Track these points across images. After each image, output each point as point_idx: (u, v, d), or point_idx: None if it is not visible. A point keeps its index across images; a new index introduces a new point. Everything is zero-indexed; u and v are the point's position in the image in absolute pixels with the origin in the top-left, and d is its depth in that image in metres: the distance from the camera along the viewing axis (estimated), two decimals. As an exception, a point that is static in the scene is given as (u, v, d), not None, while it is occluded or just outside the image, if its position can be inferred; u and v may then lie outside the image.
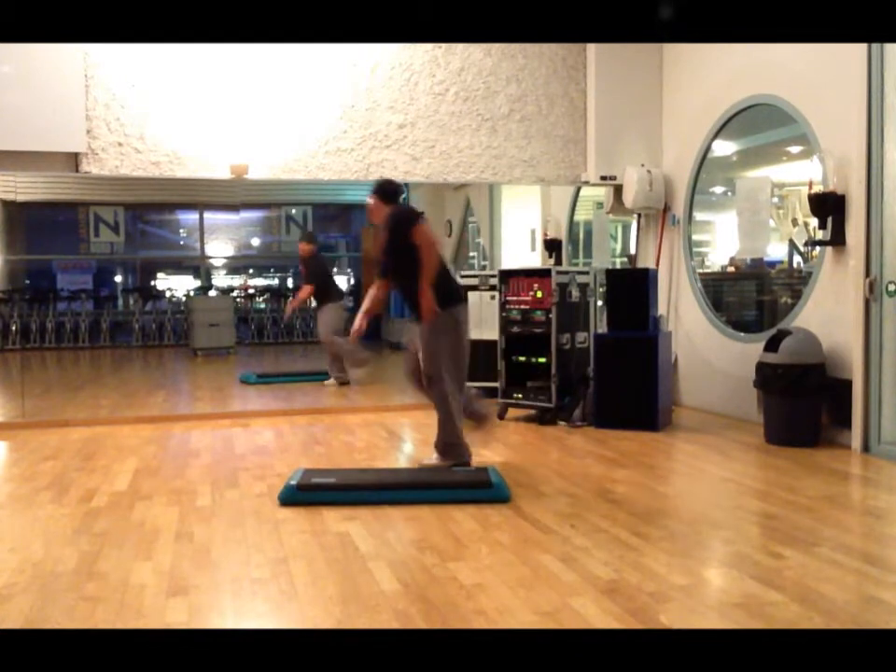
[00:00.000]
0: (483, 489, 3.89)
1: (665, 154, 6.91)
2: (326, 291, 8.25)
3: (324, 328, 8.16)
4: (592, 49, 6.80)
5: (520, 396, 6.11)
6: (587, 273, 6.51)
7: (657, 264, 6.84)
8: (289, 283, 15.76)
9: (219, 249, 14.90)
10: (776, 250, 6.51)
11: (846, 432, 4.96)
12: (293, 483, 3.91)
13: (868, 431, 4.84)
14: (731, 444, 5.16)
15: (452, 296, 4.48)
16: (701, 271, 6.72)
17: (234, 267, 15.16)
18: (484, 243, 11.08)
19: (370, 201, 4.55)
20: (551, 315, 5.94)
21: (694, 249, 6.73)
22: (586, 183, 7.00)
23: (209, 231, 14.19)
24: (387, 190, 4.56)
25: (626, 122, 6.87)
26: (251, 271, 15.47)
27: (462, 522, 3.55)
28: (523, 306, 6.10)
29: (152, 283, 15.36)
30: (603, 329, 6.21)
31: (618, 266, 8.00)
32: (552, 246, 8.24)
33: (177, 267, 15.69)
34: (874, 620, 2.53)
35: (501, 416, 6.15)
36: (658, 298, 6.10)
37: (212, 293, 13.54)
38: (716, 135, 6.29)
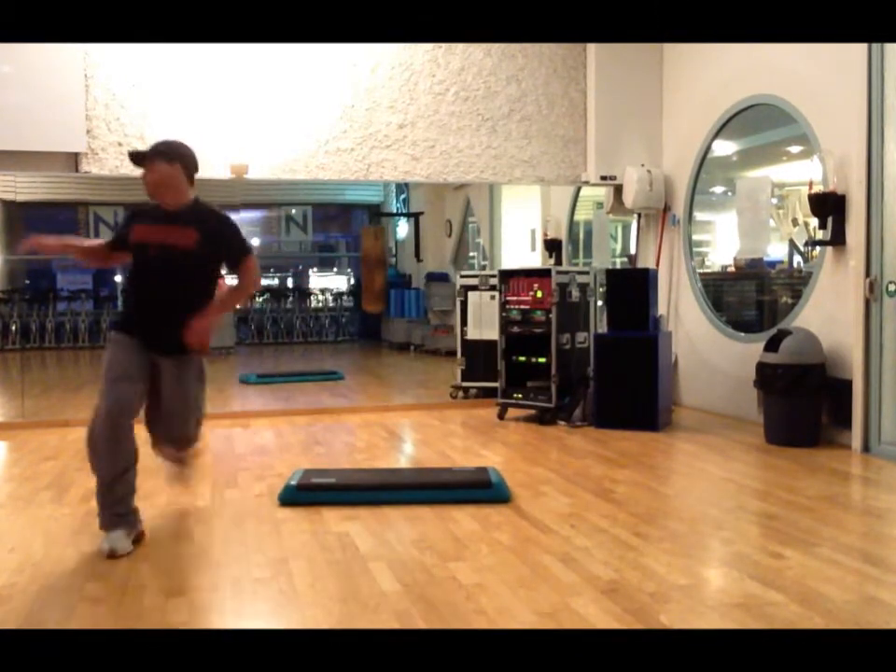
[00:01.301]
0: (483, 489, 3.88)
1: (664, 154, 6.91)
2: None
3: None
4: (592, 48, 6.80)
5: (520, 396, 6.11)
6: (587, 272, 6.51)
7: (657, 264, 6.83)
8: (289, 283, 15.75)
9: (219, 249, 14.86)
10: (776, 250, 6.51)
11: (846, 432, 4.95)
12: (293, 483, 3.91)
13: (868, 431, 4.84)
14: (731, 444, 5.16)
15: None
16: (701, 271, 6.72)
17: (234, 267, 15.14)
18: (484, 243, 11.08)
19: (164, 165, 3.30)
20: (551, 315, 5.94)
21: (694, 249, 6.73)
22: (586, 183, 7.00)
23: (209, 230, 14.15)
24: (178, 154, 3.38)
25: (626, 122, 6.87)
26: (251, 271, 15.44)
27: (462, 522, 3.55)
28: (523, 306, 6.10)
29: (152, 283, 15.32)
30: (603, 329, 6.21)
31: (618, 266, 8.00)
32: (552, 246, 8.24)
33: (177, 267, 15.64)
34: (874, 620, 2.53)
35: (501, 416, 6.15)
36: (658, 298, 6.09)
37: (212, 293, 13.51)
38: (716, 135, 6.29)
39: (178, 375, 3.36)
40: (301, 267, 15.92)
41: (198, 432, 3.63)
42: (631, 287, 5.76)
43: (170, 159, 3.30)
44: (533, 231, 8.97)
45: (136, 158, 3.37)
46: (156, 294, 3.31)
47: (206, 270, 3.37)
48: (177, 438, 3.54)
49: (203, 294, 3.35)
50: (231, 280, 3.47)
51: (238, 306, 2.87)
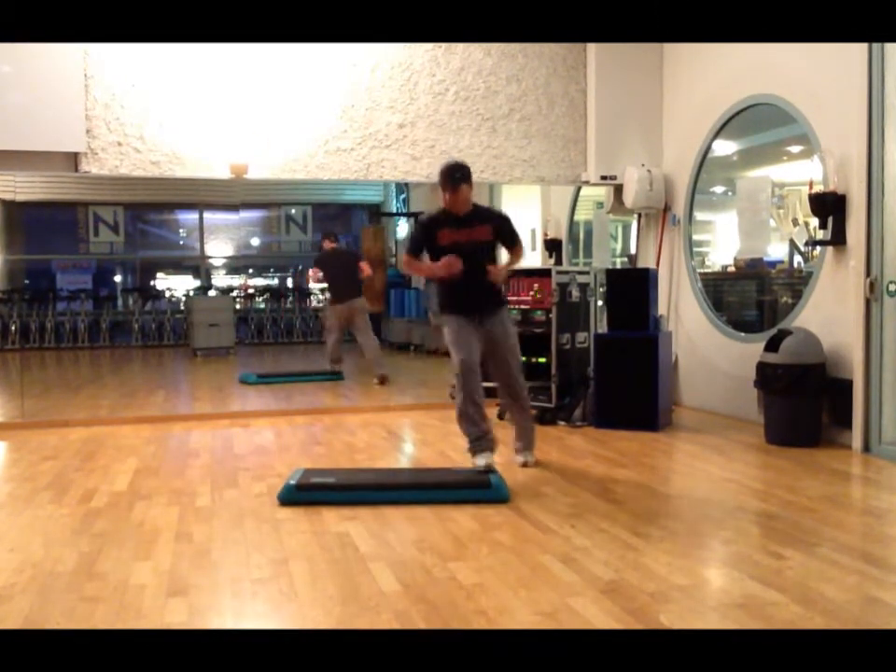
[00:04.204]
0: (483, 489, 3.89)
1: (665, 154, 6.91)
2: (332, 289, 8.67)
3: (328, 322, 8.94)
4: (592, 48, 6.80)
5: (520, 396, 6.10)
6: (587, 272, 6.51)
7: (657, 264, 6.83)
8: (289, 283, 15.76)
9: (219, 249, 14.90)
10: (776, 250, 6.51)
11: (846, 432, 4.95)
12: (293, 482, 3.91)
13: (868, 431, 4.84)
14: (731, 444, 5.16)
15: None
16: (701, 271, 6.72)
17: (234, 267, 15.15)
18: (484, 243, 11.06)
19: (464, 187, 4.29)
20: (551, 315, 5.93)
21: (694, 249, 6.73)
22: (586, 183, 7.00)
23: (209, 230, 14.19)
24: (468, 171, 4.40)
25: (626, 122, 6.87)
26: (251, 271, 15.46)
27: (462, 522, 3.55)
28: (523, 306, 6.09)
29: (152, 283, 15.35)
30: (603, 329, 6.20)
31: (618, 266, 8.00)
32: (552, 246, 8.23)
33: (177, 267, 15.68)
34: (874, 620, 2.53)
35: (501, 416, 6.14)
36: (658, 298, 6.09)
37: (212, 293, 13.54)
38: (716, 135, 6.29)
39: (500, 324, 4.46)
40: (301, 267, 15.92)
41: (522, 379, 4.62)
42: (631, 287, 5.75)
43: (467, 181, 4.34)
44: (533, 231, 8.96)
45: (448, 181, 4.31)
46: (471, 275, 4.31)
47: (492, 252, 4.53)
48: (513, 385, 4.56)
49: (486, 270, 4.38)
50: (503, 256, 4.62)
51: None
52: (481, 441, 4.31)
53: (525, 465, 4.62)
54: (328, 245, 8.63)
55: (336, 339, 8.59)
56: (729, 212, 6.52)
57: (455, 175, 4.29)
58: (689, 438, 5.39)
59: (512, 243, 4.54)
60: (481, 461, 4.25)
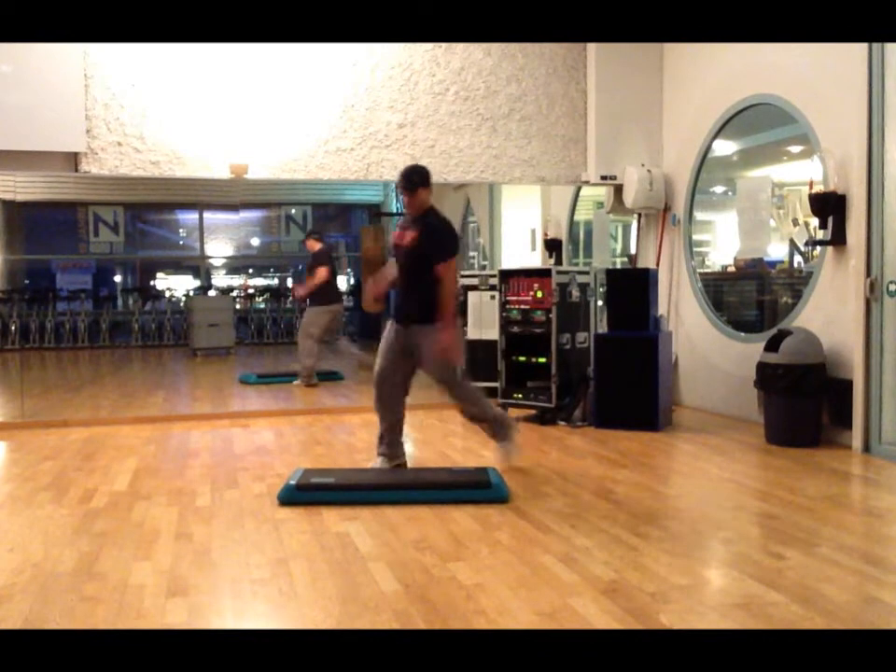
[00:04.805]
0: (483, 489, 3.89)
1: (665, 154, 6.91)
2: (318, 291, 8.24)
3: (303, 328, 8.33)
4: (592, 48, 6.80)
5: (520, 396, 6.11)
6: (587, 273, 6.51)
7: (657, 264, 6.83)
8: (289, 283, 15.76)
9: (219, 249, 14.90)
10: (776, 250, 6.51)
11: (846, 432, 4.95)
12: (293, 482, 3.91)
13: (869, 431, 4.84)
14: (731, 444, 5.16)
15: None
16: (701, 271, 6.72)
17: (234, 267, 15.14)
18: (484, 243, 11.07)
19: (420, 191, 4.30)
20: (551, 315, 5.93)
21: (695, 249, 6.73)
22: (586, 183, 7.00)
23: (209, 230, 14.18)
24: (426, 175, 4.36)
25: (626, 122, 6.87)
26: (251, 271, 15.45)
27: (462, 522, 3.55)
28: (523, 306, 6.09)
29: (152, 283, 15.35)
30: (603, 329, 6.20)
31: (618, 266, 8.00)
32: (552, 246, 8.23)
33: (177, 267, 15.68)
34: (874, 620, 2.53)
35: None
36: (658, 298, 6.09)
37: (212, 293, 13.53)
38: (716, 135, 6.29)
39: (414, 338, 4.31)
40: (301, 267, 15.93)
41: (456, 380, 4.43)
42: (631, 287, 5.75)
43: (425, 185, 4.34)
44: (533, 231, 8.96)
45: (406, 184, 4.31)
46: (399, 280, 4.41)
47: (421, 261, 4.26)
48: (443, 384, 4.42)
49: (420, 280, 4.25)
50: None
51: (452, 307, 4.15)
52: (380, 444, 4.45)
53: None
54: (313, 244, 8.29)
55: (317, 348, 8.15)
56: (729, 212, 6.52)
57: (413, 179, 4.31)
58: (689, 438, 5.39)
59: (431, 252, 4.22)
60: (371, 463, 4.48)
